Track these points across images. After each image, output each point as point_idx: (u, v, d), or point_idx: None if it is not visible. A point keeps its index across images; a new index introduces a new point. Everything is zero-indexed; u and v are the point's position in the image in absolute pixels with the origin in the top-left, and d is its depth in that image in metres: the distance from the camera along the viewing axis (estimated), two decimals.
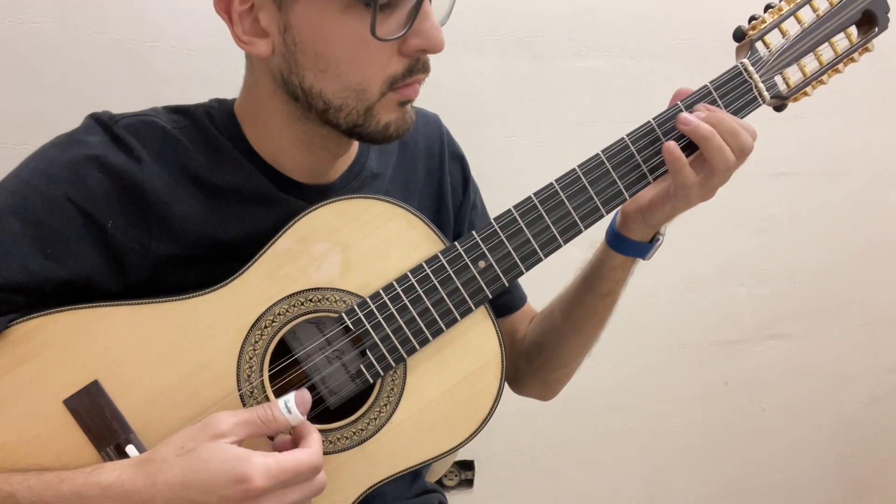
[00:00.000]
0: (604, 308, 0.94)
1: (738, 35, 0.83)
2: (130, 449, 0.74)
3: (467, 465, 1.84)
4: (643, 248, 0.88)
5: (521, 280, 1.08)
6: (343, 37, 0.73)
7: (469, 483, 1.84)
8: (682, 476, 2.03)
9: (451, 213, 1.01)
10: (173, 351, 0.76)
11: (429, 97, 0.97)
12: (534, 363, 1.03)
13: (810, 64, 0.83)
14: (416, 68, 0.77)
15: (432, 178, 1.00)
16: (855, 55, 0.84)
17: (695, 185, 0.80)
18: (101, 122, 0.81)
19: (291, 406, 0.71)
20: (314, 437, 0.72)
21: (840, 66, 0.84)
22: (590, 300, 0.93)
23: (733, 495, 2.08)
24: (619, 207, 0.87)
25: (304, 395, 0.73)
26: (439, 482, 1.58)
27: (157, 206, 0.78)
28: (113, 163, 0.77)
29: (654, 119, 0.81)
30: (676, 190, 0.81)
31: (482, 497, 1.85)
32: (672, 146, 0.79)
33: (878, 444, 2.18)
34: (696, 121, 0.78)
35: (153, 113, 0.83)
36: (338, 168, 0.90)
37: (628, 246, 0.88)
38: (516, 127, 1.60)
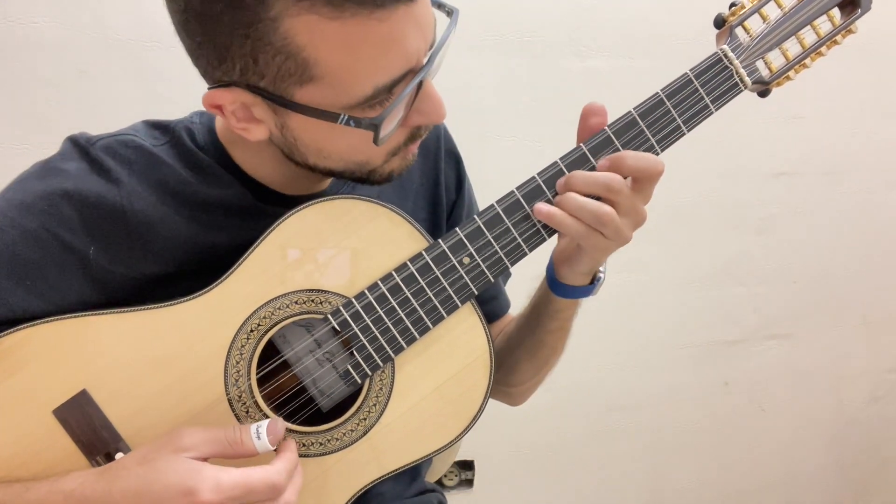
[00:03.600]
0: (555, 340, 0.93)
1: (718, 22, 0.82)
2: (120, 457, 0.74)
3: (467, 465, 1.84)
4: (585, 290, 0.86)
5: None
6: (344, 140, 0.72)
7: (469, 483, 1.85)
8: (681, 476, 2.02)
9: (445, 213, 1.00)
10: (160, 358, 0.76)
11: None
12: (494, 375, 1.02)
13: (793, 48, 0.82)
14: (418, 134, 0.77)
15: (427, 178, 0.99)
16: (838, 38, 0.83)
17: (593, 234, 0.76)
18: (78, 146, 0.79)
19: (262, 433, 0.70)
20: (284, 457, 0.71)
21: (823, 48, 0.83)
22: (540, 334, 0.92)
23: (733, 495, 2.08)
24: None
25: (278, 424, 0.72)
26: (439, 482, 1.58)
27: (138, 228, 0.78)
28: (89, 191, 0.76)
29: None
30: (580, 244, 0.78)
31: (482, 497, 1.86)
32: (539, 207, 0.77)
33: (878, 444, 2.17)
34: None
35: (132, 131, 0.82)
36: (325, 180, 0.89)
37: (569, 291, 0.86)
38: (516, 127, 1.61)
